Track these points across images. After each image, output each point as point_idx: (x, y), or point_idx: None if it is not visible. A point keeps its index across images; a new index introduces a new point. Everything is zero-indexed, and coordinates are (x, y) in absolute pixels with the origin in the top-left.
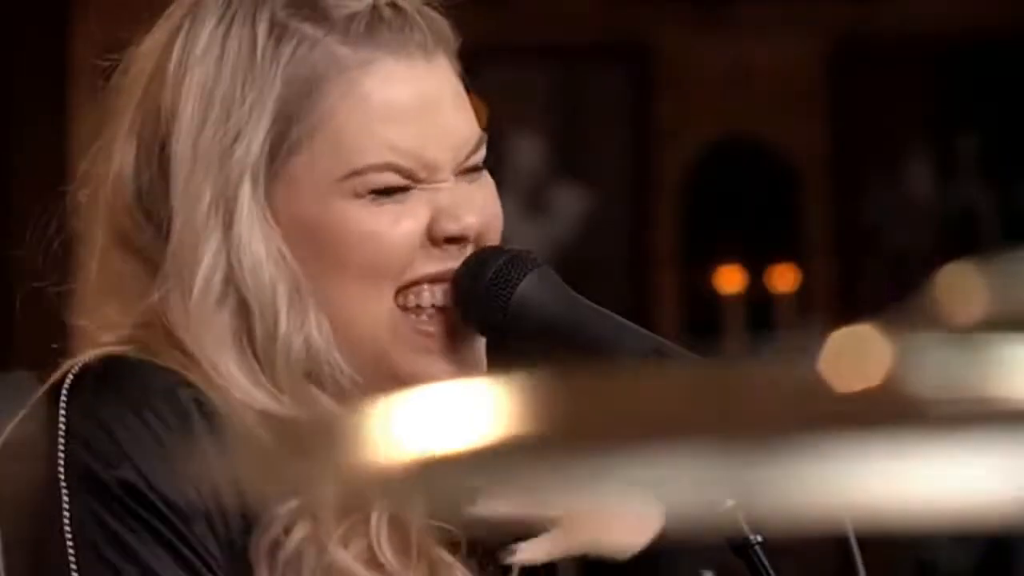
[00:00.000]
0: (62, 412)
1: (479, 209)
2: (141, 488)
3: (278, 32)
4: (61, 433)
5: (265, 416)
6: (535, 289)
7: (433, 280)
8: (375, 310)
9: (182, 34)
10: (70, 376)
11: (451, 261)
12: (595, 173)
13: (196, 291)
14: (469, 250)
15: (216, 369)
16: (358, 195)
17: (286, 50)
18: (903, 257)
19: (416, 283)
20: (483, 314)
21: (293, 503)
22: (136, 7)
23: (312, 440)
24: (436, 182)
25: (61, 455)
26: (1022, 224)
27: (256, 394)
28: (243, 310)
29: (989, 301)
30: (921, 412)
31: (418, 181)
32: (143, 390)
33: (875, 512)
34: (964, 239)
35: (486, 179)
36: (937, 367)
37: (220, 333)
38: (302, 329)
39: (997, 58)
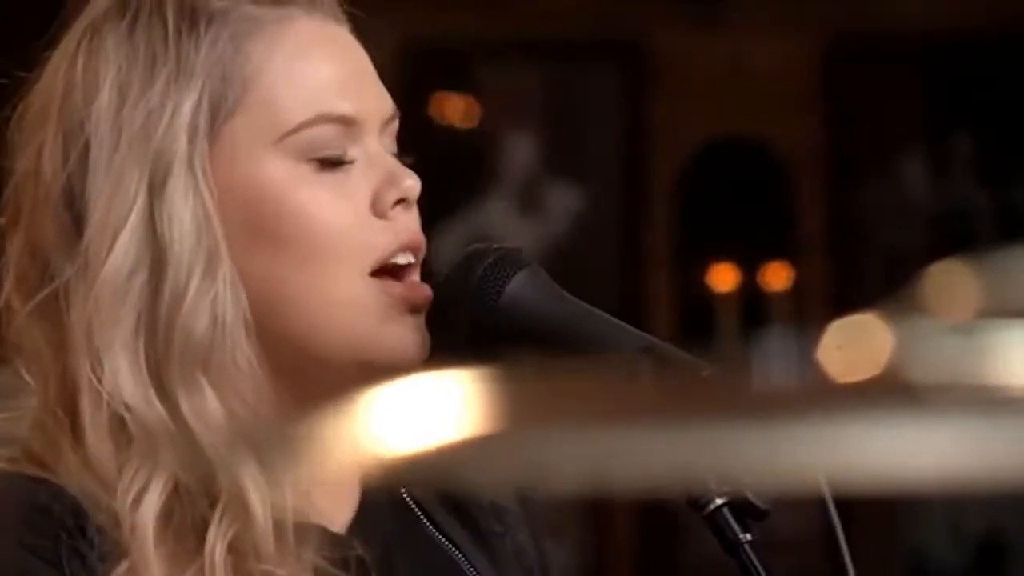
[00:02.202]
0: None
1: (412, 174)
2: None
3: (189, 13)
4: None
5: (120, 439)
6: (524, 288)
7: (394, 254)
8: (334, 282)
9: (83, 44)
10: None
11: (400, 230)
12: (589, 172)
13: (112, 262)
14: (412, 213)
15: (99, 364)
16: (298, 159)
17: (201, 23)
18: (897, 256)
19: (384, 266)
20: (472, 313)
21: (124, 565)
22: None
23: (147, 468)
24: (366, 139)
25: None
26: (1016, 223)
27: (128, 391)
28: (155, 278)
29: (981, 298)
30: (919, 397)
31: (350, 138)
32: (12, 511)
33: (869, 495)
34: (958, 238)
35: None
36: (934, 354)
37: (122, 312)
38: (210, 292)
39: (991, 57)
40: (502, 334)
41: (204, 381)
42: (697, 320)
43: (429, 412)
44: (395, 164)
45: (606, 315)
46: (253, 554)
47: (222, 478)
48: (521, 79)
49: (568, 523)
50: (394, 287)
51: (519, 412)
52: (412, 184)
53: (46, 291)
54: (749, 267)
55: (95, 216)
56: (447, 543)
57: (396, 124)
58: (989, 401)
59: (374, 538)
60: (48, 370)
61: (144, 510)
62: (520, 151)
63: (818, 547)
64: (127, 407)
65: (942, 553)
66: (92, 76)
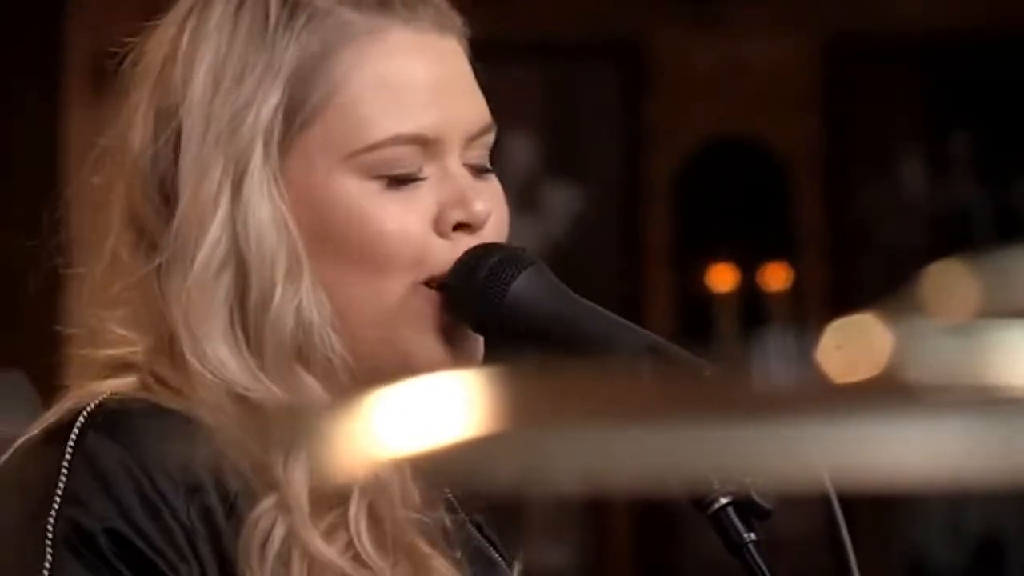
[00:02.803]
0: (63, 471)
1: (486, 200)
2: (128, 536)
3: (292, 4)
4: (59, 489)
5: (243, 405)
6: (529, 287)
7: (447, 276)
8: (387, 292)
9: (194, 14)
10: (75, 430)
11: (463, 250)
12: (587, 171)
13: (200, 258)
14: (478, 239)
15: (204, 353)
16: (369, 176)
17: (299, 20)
18: (896, 256)
19: (434, 279)
20: (478, 312)
21: (272, 499)
22: (131, 2)
23: (289, 429)
24: (445, 158)
25: (53, 513)
26: (1015, 223)
27: (240, 376)
28: (241, 278)
29: (980, 298)
30: (918, 397)
31: (428, 156)
32: (149, 442)
33: (868, 495)
34: (957, 238)
35: (494, 180)
36: (932, 354)
37: (214, 307)
38: (295, 299)
39: (990, 57)
40: (507, 333)
41: (303, 372)
42: (696, 320)
43: (430, 412)
44: (469, 186)
45: (611, 314)
46: (388, 516)
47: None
48: (520, 79)
49: (568, 523)
50: (437, 302)
51: (519, 412)
52: (480, 209)
53: (146, 269)
54: (748, 267)
55: (183, 205)
56: (487, 544)
57: (489, 137)
58: (988, 401)
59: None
60: (160, 329)
61: (298, 460)
62: (519, 151)
63: (819, 547)
64: (244, 387)
65: (941, 553)
66: (192, 52)
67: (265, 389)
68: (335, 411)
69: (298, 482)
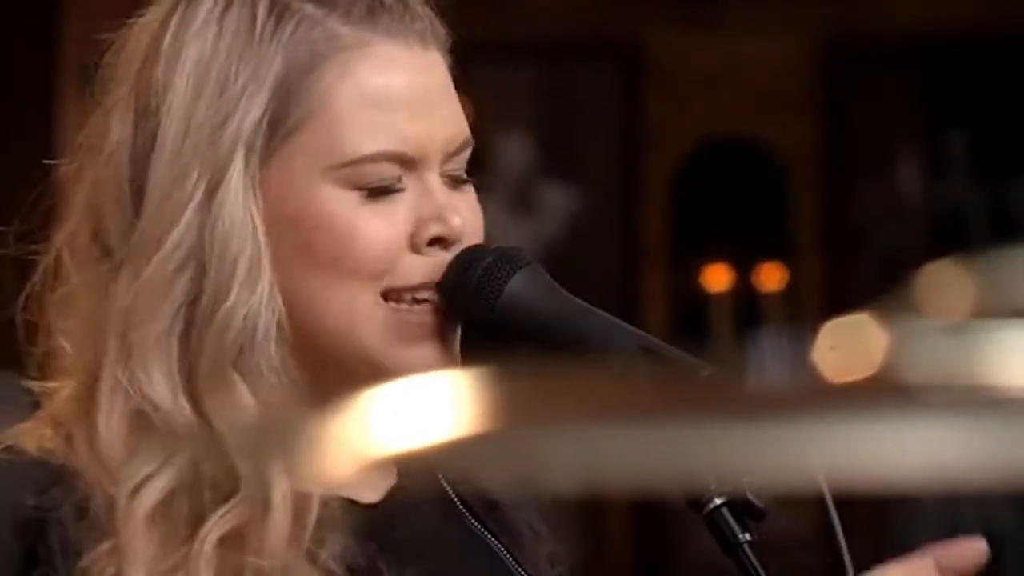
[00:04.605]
0: None
1: (463, 214)
2: None
3: (279, 11)
4: None
5: (138, 432)
6: (524, 286)
7: (415, 289)
8: (353, 302)
9: (178, 12)
10: None
11: (433, 267)
12: (583, 172)
13: (159, 257)
14: (451, 254)
15: (130, 360)
16: (349, 187)
17: (287, 28)
18: (892, 256)
19: (398, 290)
20: (472, 312)
21: (106, 544)
22: (124, 5)
23: (168, 456)
24: (424, 172)
25: None
26: (1011, 223)
27: (156, 392)
28: (197, 281)
29: (977, 298)
30: (913, 397)
31: (408, 169)
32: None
33: (863, 495)
34: (953, 238)
35: (470, 190)
36: (928, 355)
37: (160, 309)
38: (247, 304)
39: (986, 57)
40: (501, 333)
41: (236, 378)
42: (691, 320)
43: (429, 411)
44: (447, 201)
45: (606, 314)
46: (255, 546)
47: (244, 472)
48: (516, 79)
49: (564, 523)
50: (407, 313)
51: (518, 412)
52: (457, 225)
53: (96, 269)
54: (743, 267)
55: (152, 204)
56: (489, 536)
57: (467, 152)
58: (983, 401)
59: (406, 515)
60: (85, 345)
61: (144, 496)
62: (515, 151)
63: (814, 547)
64: (154, 406)
65: None
66: (174, 52)
67: (174, 408)
68: (243, 436)
69: (137, 522)
